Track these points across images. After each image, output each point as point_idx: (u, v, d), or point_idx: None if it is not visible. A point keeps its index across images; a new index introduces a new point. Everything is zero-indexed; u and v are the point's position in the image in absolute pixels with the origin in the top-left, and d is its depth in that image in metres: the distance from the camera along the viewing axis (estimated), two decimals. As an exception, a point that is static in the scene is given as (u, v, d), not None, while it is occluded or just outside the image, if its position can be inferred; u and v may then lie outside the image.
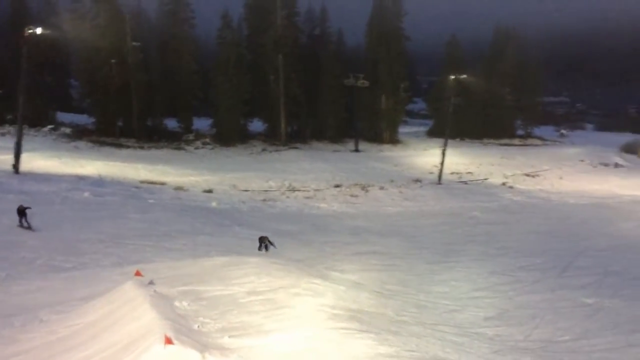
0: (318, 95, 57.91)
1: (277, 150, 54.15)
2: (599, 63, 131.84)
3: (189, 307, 12.50)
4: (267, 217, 28.97)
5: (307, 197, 36.02)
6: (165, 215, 25.33)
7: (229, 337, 11.21)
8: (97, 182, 31.86)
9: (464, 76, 48.21)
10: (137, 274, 13.08)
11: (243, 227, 25.09)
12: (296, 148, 55.57)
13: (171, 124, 58.68)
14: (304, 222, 28.40)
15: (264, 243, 20.12)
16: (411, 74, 72.58)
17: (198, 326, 11.56)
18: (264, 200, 34.19)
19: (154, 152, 50.22)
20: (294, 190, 38.28)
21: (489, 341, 14.90)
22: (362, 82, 55.28)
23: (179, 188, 34.22)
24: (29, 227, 21.58)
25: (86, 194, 27.93)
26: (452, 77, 46.80)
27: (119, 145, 50.65)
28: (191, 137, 56.72)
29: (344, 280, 17.06)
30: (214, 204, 30.89)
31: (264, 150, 54.42)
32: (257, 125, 60.38)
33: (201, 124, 59.38)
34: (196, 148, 53.85)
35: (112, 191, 30.12)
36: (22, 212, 21.60)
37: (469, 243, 26.07)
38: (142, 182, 34.78)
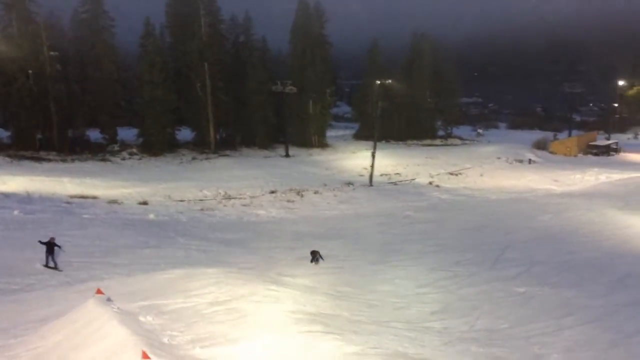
0: (246, 102, 57.98)
1: (207, 159, 53.73)
2: (508, 65, 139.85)
3: (154, 322, 12.64)
4: (209, 227, 28.94)
5: (245, 205, 36.15)
6: (106, 230, 24.75)
7: (200, 347, 11.50)
8: (25, 199, 30.46)
9: (389, 81, 50.03)
10: (99, 292, 12.98)
11: (187, 238, 24.98)
12: (227, 155, 55.41)
13: (94, 135, 56.82)
14: (246, 230, 28.61)
15: (316, 257, 22.44)
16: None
17: (168, 339, 11.76)
18: (202, 209, 34.00)
19: (79, 165, 48.36)
20: (229, 198, 38.26)
21: (438, 334, 15.94)
22: (291, 89, 55.97)
23: (112, 201, 33.32)
24: (55, 267, 19.12)
25: (16, 212, 26.70)
26: (378, 82, 48.44)
27: (40, 159, 48.40)
28: (116, 147, 55.18)
29: (298, 285, 17.61)
30: (151, 216, 30.40)
31: (194, 158, 53.82)
32: (185, 133, 59.63)
33: (126, 134, 57.88)
34: (123, 159, 52.39)
35: (42, 208, 28.95)
36: (51, 247, 19.09)
37: (406, 242, 27.26)
38: (72, 196, 33.54)
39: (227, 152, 56.71)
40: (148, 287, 14.93)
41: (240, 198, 38.28)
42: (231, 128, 59.52)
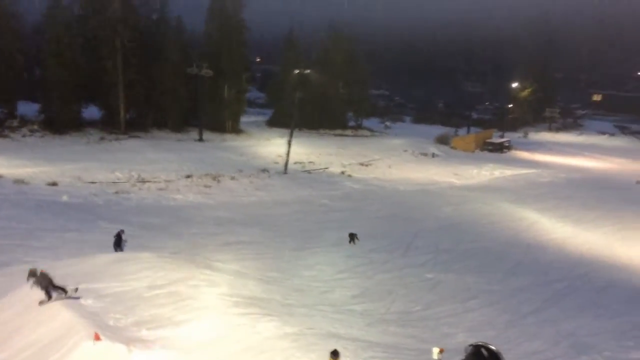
0: (159, 83, 56.57)
1: (117, 139, 51.98)
2: (415, 60, 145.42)
3: (96, 305, 12.84)
4: (127, 211, 28.50)
5: (160, 189, 35.72)
6: (19, 212, 23.73)
7: (146, 330, 11.95)
8: None
9: (308, 71, 50.99)
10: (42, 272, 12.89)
11: (107, 221, 24.55)
12: (137, 137, 53.92)
13: (-10, 108, 53.07)
14: (166, 215, 28.50)
15: (354, 238, 25.61)
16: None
17: (113, 322, 12.07)
18: (117, 192, 33.20)
19: (-27, 141, 45.28)
20: (144, 181, 37.59)
21: (360, 316, 17.30)
22: (207, 72, 55.30)
23: (19, 181, 31.70)
24: None
25: None
26: (297, 71, 49.25)
27: None
28: (15, 123, 51.94)
29: (229, 270, 18.23)
30: (65, 198, 29.36)
31: (102, 139, 51.84)
32: (92, 111, 57.12)
33: (26, 109, 54.55)
34: (23, 136, 49.53)
35: (-59, 186, 27.17)
36: (119, 239, 19.26)
37: (324, 229, 28.49)
38: (-28, 175, 31.67)
39: (138, 133, 55.14)
40: (81, 271, 14.90)
41: (155, 182, 37.73)
42: (142, 109, 57.74)
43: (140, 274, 15.06)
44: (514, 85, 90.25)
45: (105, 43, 53.54)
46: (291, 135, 45.33)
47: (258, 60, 74.86)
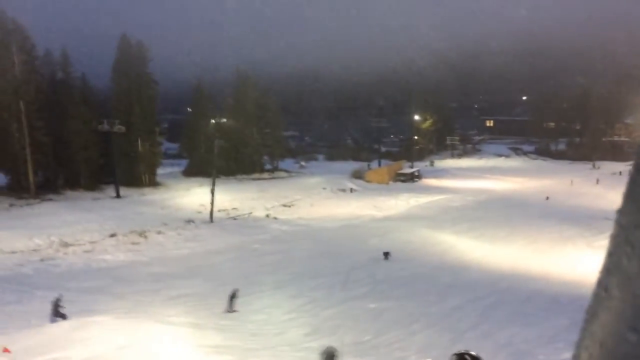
0: (69, 143, 55.12)
1: (28, 205, 49.74)
2: (320, 100, 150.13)
3: (69, 375, 12.91)
4: (60, 277, 27.62)
5: (87, 251, 34.81)
6: (-53, 290, 22.53)
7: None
8: None
9: (224, 120, 51.93)
10: (5, 350, 12.80)
11: (43, 290, 23.71)
12: (50, 200, 51.92)
13: None
14: (101, 277, 27.92)
15: (387, 256, 31.67)
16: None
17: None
18: (42, 260, 32.05)
19: None
20: (67, 245, 36.42)
21: (318, 352, 18.12)
22: (119, 128, 54.70)
23: None
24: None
25: None
26: (213, 121, 50.07)
27: None
28: None
29: (184, 323, 18.53)
30: (-11, 271, 28.08)
31: (12, 205, 49.39)
32: (-3, 177, 54.51)
33: None
34: None
35: None
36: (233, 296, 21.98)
37: (261, 274, 29.13)
38: None
39: (50, 196, 53.10)
40: (41, 342, 14.74)
41: (80, 244, 36.72)
42: (53, 170, 55.83)
43: (103, 337, 15.17)
44: (416, 117, 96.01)
45: (7, 107, 51.68)
46: (213, 184, 45.78)
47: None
